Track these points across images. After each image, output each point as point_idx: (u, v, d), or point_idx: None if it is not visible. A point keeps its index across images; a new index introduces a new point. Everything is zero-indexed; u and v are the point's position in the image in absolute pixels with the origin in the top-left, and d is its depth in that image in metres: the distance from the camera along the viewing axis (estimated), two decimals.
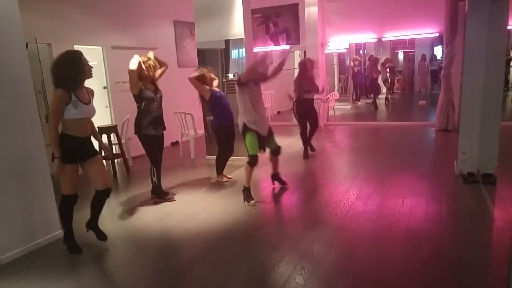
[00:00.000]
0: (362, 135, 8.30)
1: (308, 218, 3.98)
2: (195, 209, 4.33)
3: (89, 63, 3.24)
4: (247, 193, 4.42)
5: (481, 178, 4.54)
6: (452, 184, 4.63)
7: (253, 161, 4.40)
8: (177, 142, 7.69)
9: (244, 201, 4.39)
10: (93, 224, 3.54)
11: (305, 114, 6.31)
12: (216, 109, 5.18)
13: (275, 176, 4.89)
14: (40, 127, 3.61)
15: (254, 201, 4.35)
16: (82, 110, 3.16)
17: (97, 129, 3.69)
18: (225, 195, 4.72)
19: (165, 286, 2.83)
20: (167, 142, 7.82)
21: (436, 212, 3.87)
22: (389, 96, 12.70)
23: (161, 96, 4.42)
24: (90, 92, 3.35)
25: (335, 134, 8.46)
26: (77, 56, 3.15)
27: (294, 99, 6.26)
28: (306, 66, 6.16)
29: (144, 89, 4.28)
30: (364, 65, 12.73)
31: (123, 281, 2.98)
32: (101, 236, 3.56)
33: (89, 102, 3.25)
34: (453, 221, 3.72)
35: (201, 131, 6.86)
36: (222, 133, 5.22)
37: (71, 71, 3.08)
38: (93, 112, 3.32)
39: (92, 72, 3.28)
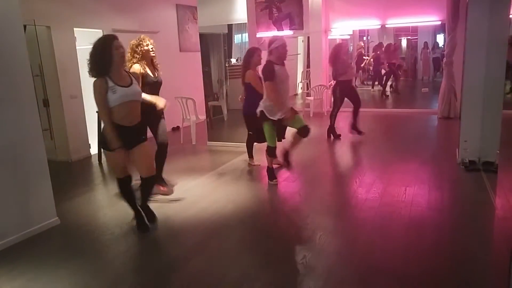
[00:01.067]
0: (365, 122, 8.20)
1: (310, 206, 3.97)
2: (196, 196, 4.31)
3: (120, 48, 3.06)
4: (271, 173, 4.54)
5: (482, 166, 4.56)
6: (454, 172, 4.62)
7: (272, 153, 4.40)
8: (178, 127, 7.64)
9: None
10: (143, 206, 3.54)
11: (343, 94, 6.66)
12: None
13: (285, 154, 4.48)
14: (37, 111, 3.52)
15: (276, 180, 4.52)
16: (122, 94, 3.05)
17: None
18: (227, 182, 4.70)
19: (164, 276, 2.79)
20: (167, 127, 7.80)
21: (438, 200, 3.87)
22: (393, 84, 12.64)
23: (160, 82, 4.34)
24: (134, 74, 3.32)
25: (338, 121, 8.36)
26: (107, 42, 3.04)
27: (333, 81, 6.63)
28: (342, 49, 6.47)
29: (146, 75, 4.21)
30: (368, 52, 12.63)
31: (121, 269, 2.95)
32: (151, 216, 3.56)
33: (129, 84, 3.13)
34: (454, 210, 3.73)
35: (202, 117, 6.81)
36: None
37: (100, 57, 3.00)
38: (136, 94, 3.20)
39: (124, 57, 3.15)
